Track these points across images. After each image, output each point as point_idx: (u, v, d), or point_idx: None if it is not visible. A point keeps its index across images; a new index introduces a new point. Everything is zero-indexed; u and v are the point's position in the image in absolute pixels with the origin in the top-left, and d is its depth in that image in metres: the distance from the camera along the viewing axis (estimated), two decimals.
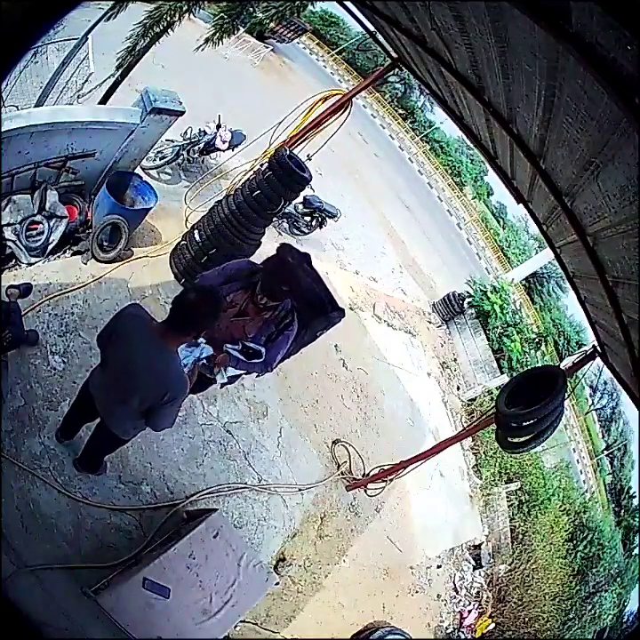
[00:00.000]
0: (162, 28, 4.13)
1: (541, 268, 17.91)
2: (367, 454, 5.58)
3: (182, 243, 4.88)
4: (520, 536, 7.26)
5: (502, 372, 9.21)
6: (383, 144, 20.43)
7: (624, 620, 8.85)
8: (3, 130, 3.32)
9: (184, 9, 4.10)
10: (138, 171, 4.86)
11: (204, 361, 2.87)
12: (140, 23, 4.17)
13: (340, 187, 10.42)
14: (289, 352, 3.19)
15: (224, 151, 6.40)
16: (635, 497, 15.56)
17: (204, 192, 5.74)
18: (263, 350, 2.93)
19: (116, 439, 2.73)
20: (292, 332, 3.00)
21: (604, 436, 18.97)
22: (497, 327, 9.79)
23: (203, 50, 4.73)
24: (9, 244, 3.86)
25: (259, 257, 3.53)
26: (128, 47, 4.29)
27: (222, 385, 3.31)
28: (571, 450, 14.18)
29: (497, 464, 7.67)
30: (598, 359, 3.78)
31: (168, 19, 4.05)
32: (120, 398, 2.39)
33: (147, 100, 4.13)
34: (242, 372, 3.06)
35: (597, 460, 16.77)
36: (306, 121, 4.61)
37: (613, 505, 14.79)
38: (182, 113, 4.36)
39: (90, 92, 4.87)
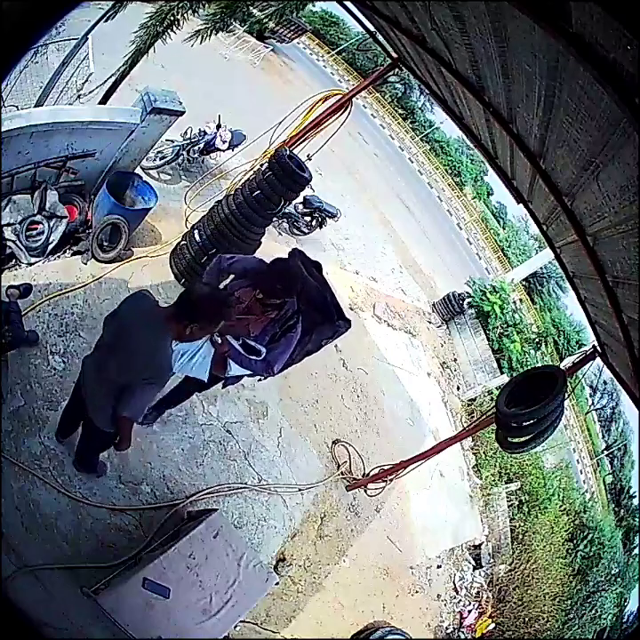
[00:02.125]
0: (164, 27, 4.12)
1: (541, 268, 17.92)
2: (367, 454, 5.58)
3: (182, 243, 4.88)
4: (520, 536, 7.26)
5: (502, 372, 9.21)
6: (383, 144, 20.44)
7: (624, 620, 8.86)
8: (3, 130, 3.32)
9: (186, 8, 4.08)
10: (138, 171, 4.85)
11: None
12: (142, 25, 4.16)
13: (340, 187, 10.42)
14: (293, 358, 3.18)
15: (224, 151, 6.40)
16: (635, 497, 15.55)
17: (204, 192, 5.74)
18: (263, 349, 2.91)
19: (101, 433, 2.63)
20: (296, 334, 2.98)
21: (604, 436, 18.97)
22: (497, 327, 9.79)
23: (192, 43, 4.65)
24: (9, 243, 3.85)
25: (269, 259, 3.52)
26: (134, 50, 4.27)
27: (224, 385, 3.30)
28: (571, 450, 14.17)
29: (497, 464, 7.67)
30: (598, 359, 3.78)
31: (171, 19, 4.04)
32: (106, 374, 2.37)
33: (147, 100, 4.13)
34: (244, 372, 3.04)
35: (597, 460, 16.76)
36: (306, 121, 4.61)
37: (613, 505, 14.78)
38: (182, 113, 4.36)
39: (90, 92, 4.87)
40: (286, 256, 3.25)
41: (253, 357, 2.91)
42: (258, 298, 2.99)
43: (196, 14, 4.31)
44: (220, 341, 2.91)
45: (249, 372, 3.06)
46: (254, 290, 3.03)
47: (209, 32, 4.53)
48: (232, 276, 3.16)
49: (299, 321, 2.99)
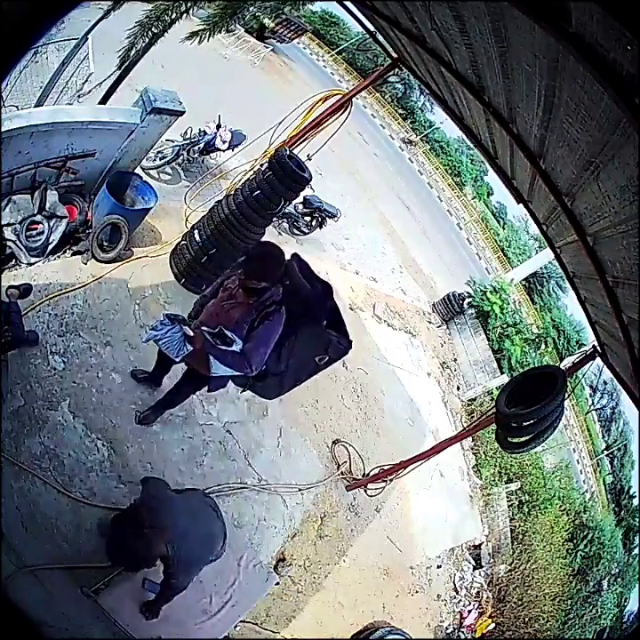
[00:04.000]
0: (161, 27, 4.12)
1: (541, 268, 17.91)
2: (367, 454, 5.58)
3: (182, 243, 4.88)
4: (520, 536, 7.26)
5: (502, 372, 9.20)
6: (383, 144, 20.44)
7: (624, 620, 8.86)
8: (3, 130, 3.32)
9: (182, 9, 4.07)
10: (138, 171, 4.86)
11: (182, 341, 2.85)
12: (138, 23, 4.15)
13: (340, 187, 10.42)
14: (282, 369, 3.05)
15: (224, 151, 6.40)
16: (635, 497, 15.54)
17: (204, 192, 5.74)
18: (238, 340, 2.76)
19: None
20: (274, 322, 2.82)
21: (604, 436, 18.96)
22: (497, 327, 9.78)
23: (191, 43, 4.62)
24: (9, 244, 3.86)
25: None
26: (127, 46, 4.26)
27: (209, 388, 3.20)
28: (571, 450, 14.17)
29: (497, 464, 7.66)
30: (598, 359, 3.78)
31: (167, 18, 4.03)
32: None
33: (147, 99, 4.13)
34: (229, 372, 2.94)
35: (597, 460, 16.76)
36: (306, 121, 4.61)
37: (613, 505, 14.78)
38: (182, 113, 4.36)
39: (89, 91, 4.87)
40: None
41: (227, 349, 2.78)
42: (241, 280, 2.86)
43: (187, 16, 4.27)
44: (192, 334, 2.83)
45: (233, 373, 2.94)
46: (240, 275, 2.90)
47: (208, 34, 4.52)
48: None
49: (279, 311, 2.84)
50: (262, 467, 4.42)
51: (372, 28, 4.16)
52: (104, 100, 4.68)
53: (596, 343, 3.75)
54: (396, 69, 4.42)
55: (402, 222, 13.59)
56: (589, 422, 17.98)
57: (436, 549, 6.01)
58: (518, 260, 21.72)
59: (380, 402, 6.52)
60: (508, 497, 7.59)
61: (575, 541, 8.06)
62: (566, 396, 3.24)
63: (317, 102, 4.56)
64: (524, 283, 18.85)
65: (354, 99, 4.58)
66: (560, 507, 8.27)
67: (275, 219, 5.78)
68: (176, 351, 2.87)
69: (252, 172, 4.83)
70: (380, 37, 4.22)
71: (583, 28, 1.16)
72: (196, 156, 6.29)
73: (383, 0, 2.96)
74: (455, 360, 9.60)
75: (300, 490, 4.63)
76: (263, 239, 4.86)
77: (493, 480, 7.53)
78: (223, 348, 2.77)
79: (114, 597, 2.82)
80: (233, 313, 2.87)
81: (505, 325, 9.91)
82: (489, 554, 6.82)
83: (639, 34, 0.94)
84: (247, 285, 2.82)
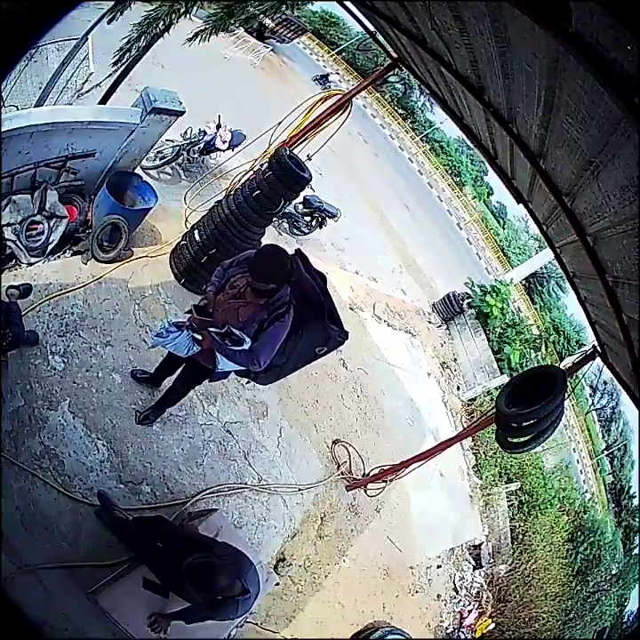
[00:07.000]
0: (161, 28, 4.11)
1: (541, 268, 17.93)
2: (367, 454, 5.58)
3: (182, 243, 4.88)
4: (520, 536, 7.26)
5: (502, 372, 9.20)
6: (383, 144, 20.44)
7: (624, 620, 8.86)
8: (3, 130, 3.32)
9: (181, 11, 4.06)
10: (138, 171, 4.85)
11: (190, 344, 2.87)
12: (137, 24, 4.14)
13: (340, 187, 10.42)
14: (284, 361, 3.06)
15: (224, 151, 6.40)
16: (635, 497, 15.57)
17: (204, 192, 5.73)
18: (247, 339, 2.76)
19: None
20: (285, 323, 2.85)
21: (604, 436, 18.97)
22: (497, 327, 9.79)
23: (191, 44, 4.62)
24: (9, 243, 3.85)
25: None
26: (122, 48, 4.24)
27: (211, 379, 3.24)
28: (571, 450, 14.18)
29: (497, 464, 7.67)
30: (598, 359, 3.78)
31: (166, 20, 4.02)
32: None
33: (147, 99, 4.13)
34: (234, 367, 2.97)
35: (597, 459, 16.77)
36: (306, 121, 4.61)
37: (613, 505, 14.80)
38: (182, 113, 4.36)
39: (88, 91, 4.86)
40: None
41: (235, 348, 2.77)
42: (249, 282, 2.86)
43: (192, 15, 4.27)
44: (200, 338, 2.85)
45: (239, 368, 2.96)
46: (247, 274, 2.90)
47: (209, 33, 4.51)
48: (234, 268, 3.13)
49: (289, 311, 2.86)
50: (262, 467, 4.42)
51: (372, 27, 4.16)
52: (104, 100, 4.68)
53: (596, 343, 3.74)
54: (396, 69, 4.42)
55: (402, 222, 13.60)
56: (589, 422, 18.00)
57: (436, 549, 6.01)
58: (518, 260, 21.75)
59: (380, 402, 6.52)
60: (507, 497, 7.59)
61: (575, 542, 8.07)
62: (566, 396, 3.24)
63: (317, 102, 4.56)
64: (523, 283, 18.87)
65: (354, 99, 4.58)
66: (560, 507, 8.29)
67: (275, 219, 5.78)
68: (185, 351, 2.91)
69: (251, 172, 4.83)
70: (380, 37, 4.22)
71: (583, 28, 1.16)
72: (195, 155, 6.29)
73: (383, 0, 2.96)
74: (455, 360, 9.60)
75: (300, 490, 4.63)
76: (264, 239, 4.87)
77: (493, 480, 7.53)
78: (233, 348, 2.77)
79: (114, 597, 2.82)
80: (242, 312, 2.88)
81: (505, 326, 9.91)
82: (489, 554, 6.82)
83: (639, 34, 0.94)
84: (255, 287, 2.84)
